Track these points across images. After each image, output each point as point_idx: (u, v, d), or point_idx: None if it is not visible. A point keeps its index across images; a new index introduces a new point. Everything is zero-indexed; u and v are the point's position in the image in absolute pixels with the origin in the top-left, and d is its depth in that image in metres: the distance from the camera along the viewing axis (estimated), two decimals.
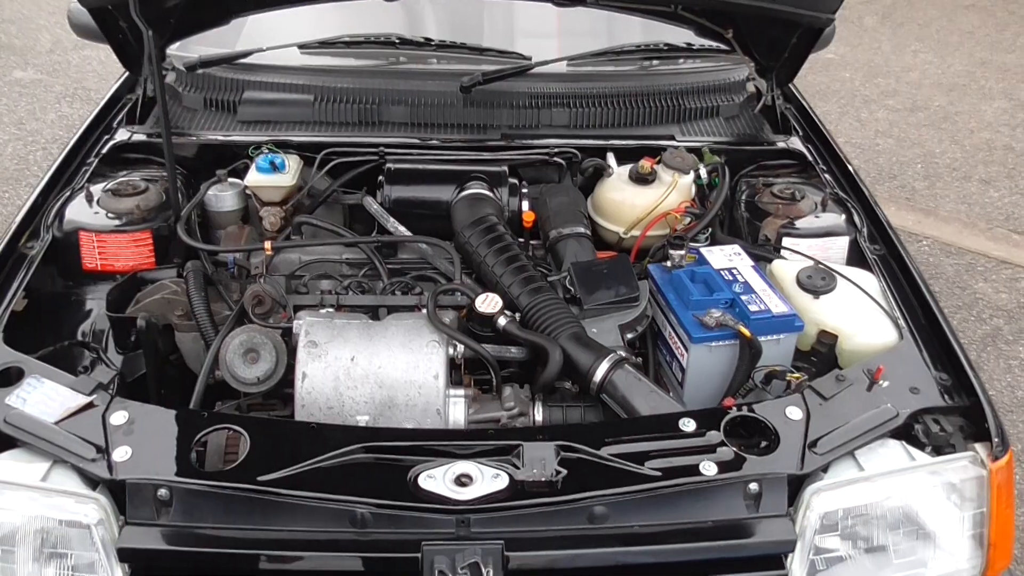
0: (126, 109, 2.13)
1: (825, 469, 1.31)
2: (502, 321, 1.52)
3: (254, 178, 1.87)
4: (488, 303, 1.53)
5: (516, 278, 1.61)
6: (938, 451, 1.36)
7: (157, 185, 1.84)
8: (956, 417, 1.40)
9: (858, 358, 1.56)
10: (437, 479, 1.23)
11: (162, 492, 1.21)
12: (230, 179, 1.90)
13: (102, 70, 5.39)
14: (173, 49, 2.16)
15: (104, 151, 1.97)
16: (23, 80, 5.31)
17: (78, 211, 1.76)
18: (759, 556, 1.27)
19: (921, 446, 1.36)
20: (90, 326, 1.64)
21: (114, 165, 1.95)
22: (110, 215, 1.74)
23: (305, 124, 2.05)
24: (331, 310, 1.59)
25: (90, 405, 1.34)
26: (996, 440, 1.33)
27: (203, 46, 2.18)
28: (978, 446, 1.35)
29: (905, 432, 1.38)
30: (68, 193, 1.82)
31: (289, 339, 1.53)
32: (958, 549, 1.31)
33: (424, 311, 1.54)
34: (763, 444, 1.35)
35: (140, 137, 2.03)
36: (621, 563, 1.24)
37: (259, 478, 1.22)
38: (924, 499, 1.29)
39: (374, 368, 1.44)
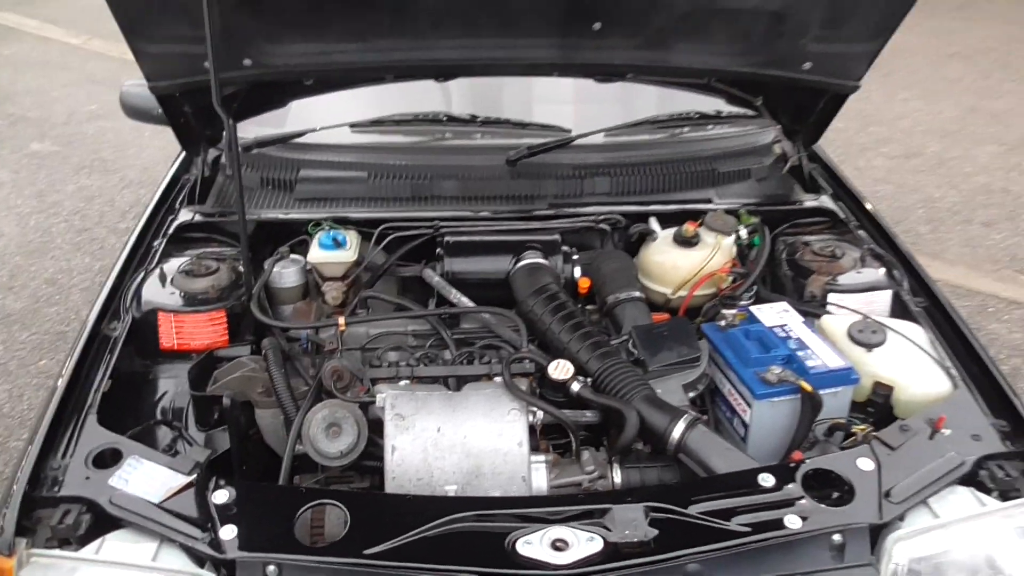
0: (186, 189, 2.22)
1: (902, 518, 1.36)
2: (576, 386, 1.59)
3: (317, 255, 1.94)
4: (561, 369, 1.60)
5: (583, 344, 1.68)
6: (1004, 496, 1.41)
7: (227, 264, 1.91)
8: (1018, 462, 1.46)
9: (914, 408, 1.63)
10: (535, 544, 1.28)
11: (271, 569, 1.26)
12: (292, 255, 1.97)
13: (117, 140, 5.51)
14: None
15: (170, 231, 2.05)
16: (41, 152, 5.42)
17: (154, 291, 1.83)
18: None
19: (987, 491, 1.42)
20: (169, 404, 1.69)
21: (180, 244, 2.02)
22: (185, 295, 1.81)
23: (360, 200, 2.14)
24: (407, 382, 1.65)
25: (190, 484, 1.39)
26: None
27: (255, 125, 2.27)
28: None
29: (971, 478, 1.44)
30: (142, 274, 1.89)
31: (367, 412, 1.59)
32: None
33: (498, 379, 1.61)
34: (836, 495, 1.40)
35: (200, 217, 2.11)
36: None
37: (365, 551, 1.26)
38: (1000, 543, 1.34)
39: (460, 438, 1.49)
